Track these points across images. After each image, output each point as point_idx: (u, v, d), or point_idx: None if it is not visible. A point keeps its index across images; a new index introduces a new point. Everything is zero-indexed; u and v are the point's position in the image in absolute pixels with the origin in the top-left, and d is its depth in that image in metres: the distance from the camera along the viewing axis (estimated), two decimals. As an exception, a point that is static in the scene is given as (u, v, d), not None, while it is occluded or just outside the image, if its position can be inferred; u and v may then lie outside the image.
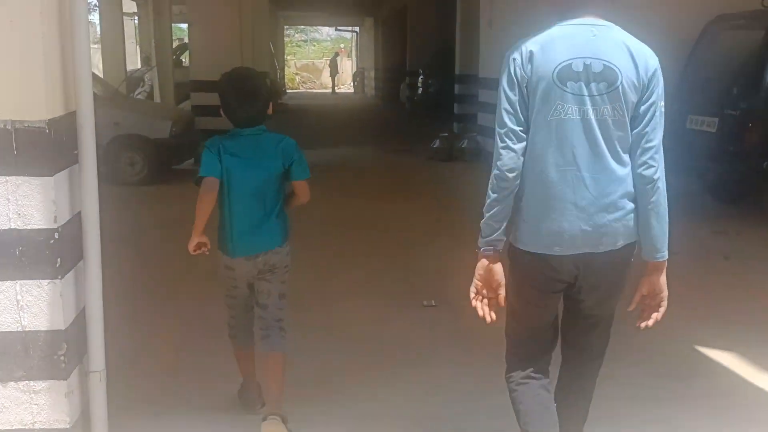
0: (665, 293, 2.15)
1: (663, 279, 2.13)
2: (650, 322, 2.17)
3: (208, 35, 9.65)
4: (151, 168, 8.30)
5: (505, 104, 2.04)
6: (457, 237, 4.98)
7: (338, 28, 38.42)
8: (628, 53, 2.00)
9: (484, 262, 2.13)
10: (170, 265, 4.99)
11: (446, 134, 10.72)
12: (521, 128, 2.02)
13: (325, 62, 36.52)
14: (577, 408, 2.34)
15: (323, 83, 37.20)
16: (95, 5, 16.67)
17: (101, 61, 19.99)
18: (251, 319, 2.85)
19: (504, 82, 2.06)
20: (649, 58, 2.04)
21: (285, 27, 35.07)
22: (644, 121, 2.02)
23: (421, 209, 7.14)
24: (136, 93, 15.05)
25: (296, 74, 41.92)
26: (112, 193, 7.93)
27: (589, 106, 1.98)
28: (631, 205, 2.07)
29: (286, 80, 35.23)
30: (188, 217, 2.68)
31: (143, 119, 8.35)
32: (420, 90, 17.96)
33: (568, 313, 2.29)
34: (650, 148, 2.03)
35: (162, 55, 13.42)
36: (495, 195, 2.06)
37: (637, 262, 2.18)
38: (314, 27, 44.26)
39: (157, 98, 13.04)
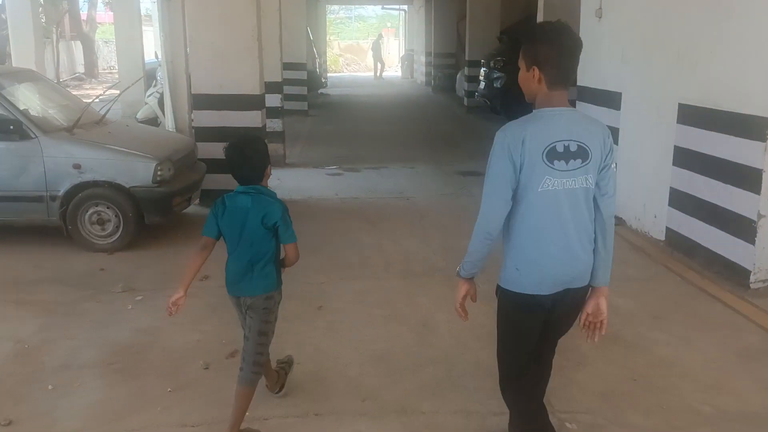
0: (606, 313, 2.66)
1: (606, 302, 2.66)
2: (596, 339, 2.69)
3: (213, 34, 7.18)
4: (128, 228, 5.90)
5: (500, 176, 2.47)
6: None
7: (385, 6, 35.60)
8: (592, 131, 2.51)
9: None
10: None
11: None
12: (511, 197, 2.50)
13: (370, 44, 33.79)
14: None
15: (368, 65, 34.58)
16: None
17: (116, 52, 17.87)
18: None
19: (499, 158, 2.46)
20: (605, 131, 2.55)
21: (327, 5, 32.36)
22: (606, 180, 2.55)
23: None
24: (147, 95, 12.76)
25: (339, 56, 39.40)
26: (71, 267, 5.60)
27: (569, 179, 2.46)
28: (591, 248, 2.59)
29: (328, 64, 32.77)
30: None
31: (115, 159, 5.90)
32: (483, 85, 15.21)
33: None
34: (611, 197, 2.58)
35: (173, 45, 10.93)
36: (480, 247, 2.58)
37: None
38: (360, 4, 41.52)
39: (168, 105, 10.63)
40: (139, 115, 12.51)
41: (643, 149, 6.34)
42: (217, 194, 7.32)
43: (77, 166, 5.77)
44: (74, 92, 24.33)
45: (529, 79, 2.51)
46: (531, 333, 2.63)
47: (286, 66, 15.26)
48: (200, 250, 3.07)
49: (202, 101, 7.42)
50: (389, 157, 10.80)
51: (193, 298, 5.06)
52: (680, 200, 5.69)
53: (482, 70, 15.34)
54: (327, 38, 33.79)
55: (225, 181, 7.76)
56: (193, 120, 7.96)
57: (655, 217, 6.10)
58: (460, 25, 21.58)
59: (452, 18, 22.15)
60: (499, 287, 2.63)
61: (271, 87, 9.63)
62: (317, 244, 6.09)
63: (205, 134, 7.44)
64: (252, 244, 3.01)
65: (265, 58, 9.27)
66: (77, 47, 29.53)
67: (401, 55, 33.04)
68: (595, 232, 2.58)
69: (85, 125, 6.29)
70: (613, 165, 2.55)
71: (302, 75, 15.54)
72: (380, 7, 36.63)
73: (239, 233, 3.01)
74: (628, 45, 6.59)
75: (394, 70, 34.87)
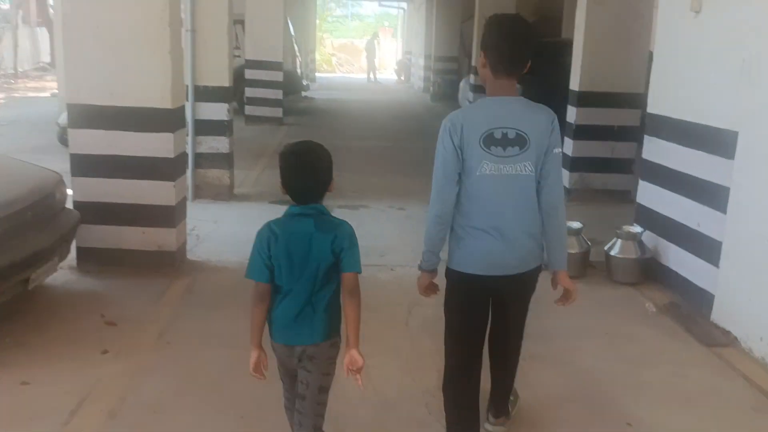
0: (574, 287, 2.82)
1: (569, 280, 2.81)
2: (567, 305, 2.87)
3: (99, 11, 4.69)
4: None
5: (446, 159, 2.62)
6: None
7: (382, 3, 33.08)
8: (534, 119, 2.61)
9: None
10: None
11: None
12: (457, 180, 2.64)
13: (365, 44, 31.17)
14: None
15: (363, 66, 32.01)
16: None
17: (51, 43, 15.16)
18: None
19: (443, 142, 2.61)
20: (549, 118, 2.65)
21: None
22: (548, 165, 2.64)
23: None
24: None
25: (332, 55, 36.85)
26: None
27: (506, 165, 2.58)
28: (539, 236, 2.72)
29: (319, 63, 30.24)
30: None
31: None
32: (491, 96, 12.69)
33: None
34: (553, 183, 2.66)
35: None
36: (434, 232, 2.70)
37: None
38: (356, 0, 39.08)
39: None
40: (61, 120, 9.92)
41: (782, 229, 3.83)
42: (101, 253, 4.97)
43: None
44: (31, 84, 21.82)
45: (481, 64, 2.67)
46: (474, 313, 2.79)
47: (256, 65, 12.78)
48: (259, 302, 2.44)
49: (80, 115, 4.84)
50: (373, 190, 8.25)
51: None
52: None
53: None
54: (318, 35, 31.26)
55: (111, 236, 4.54)
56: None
57: (809, 351, 3.58)
58: (464, 25, 19.16)
59: (456, 18, 19.75)
60: (446, 267, 2.77)
61: (215, 94, 7.09)
62: (227, 369, 3.55)
63: (85, 165, 4.89)
64: (316, 277, 2.40)
65: (206, 53, 6.82)
66: (43, 34, 26.83)
67: (398, 60, 30.36)
68: (543, 220, 2.70)
69: None
70: (557, 150, 2.64)
71: (277, 76, 12.99)
72: (377, 3, 34.02)
73: (302, 266, 2.38)
74: (758, 54, 4.07)
75: (390, 72, 32.32)
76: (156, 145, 4.88)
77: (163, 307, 4.44)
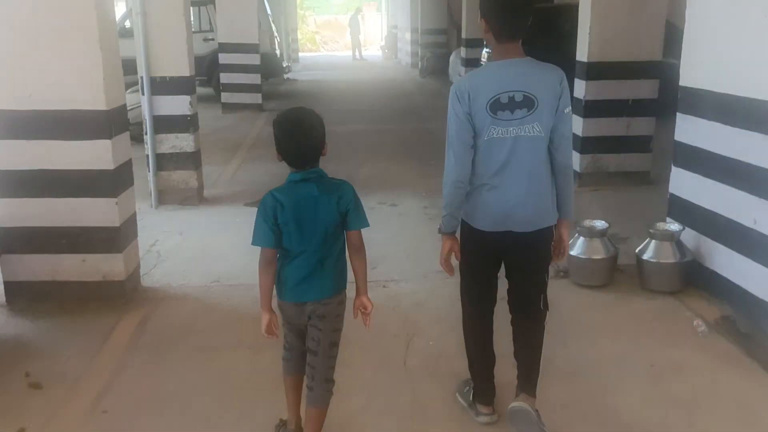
0: (567, 242, 2.90)
1: (567, 232, 2.88)
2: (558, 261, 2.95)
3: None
4: None
5: (458, 123, 2.64)
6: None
7: (365, -24, 31.87)
8: (543, 79, 2.61)
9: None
10: None
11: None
12: (472, 143, 2.66)
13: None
14: None
15: (347, 44, 30.90)
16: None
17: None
18: (305, 351, 2.69)
19: (454, 107, 2.64)
20: (557, 76, 2.64)
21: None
22: (560, 126, 2.65)
23: None
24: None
25: (315, 33, 35.69)
26: None
27: (515, 128, 2.60)
28: (549, 196, 2.76)
29: (303, 42, 29.19)
30: None
31: None
32: (485, 70, 11.79)
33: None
34: (567, 144, 2.71)
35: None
36: (454, 195, 2.71)
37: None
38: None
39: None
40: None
41: None
42: (35, 287, 4.15)
43: None
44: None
45: (483, 30, 2.66)
46: (482, 262, 2.87)
47: (230, 48, 11.85)
48: (266, 267, 2.54)
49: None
50: (361, 183, 7.31)
51: None
52: None
53: (485, 51, 11.93)
54: (300, 13, 30.13)
55: (45, 266, 4.10)
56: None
57: None
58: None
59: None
60: (461, 219, 2.84)
61: (175, 86, 6.20)
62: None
63: (6, 183, 4.06)
64: (326, 238, 2.52)
65: (161, 39, 5.99)
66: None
67: (386, 36, 29.13)
68: (554, 177, 2.75)
69: None
70: (567, 110, 2.65)
71: (254, 59, 12.05)
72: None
73: (311, 228, 2.49)
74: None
75: (376, 48, 31.20)
76: (91, 154, 4.02)
77: (103, 357, 3.60)
